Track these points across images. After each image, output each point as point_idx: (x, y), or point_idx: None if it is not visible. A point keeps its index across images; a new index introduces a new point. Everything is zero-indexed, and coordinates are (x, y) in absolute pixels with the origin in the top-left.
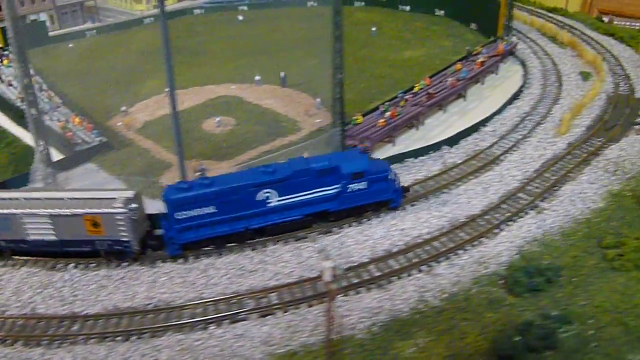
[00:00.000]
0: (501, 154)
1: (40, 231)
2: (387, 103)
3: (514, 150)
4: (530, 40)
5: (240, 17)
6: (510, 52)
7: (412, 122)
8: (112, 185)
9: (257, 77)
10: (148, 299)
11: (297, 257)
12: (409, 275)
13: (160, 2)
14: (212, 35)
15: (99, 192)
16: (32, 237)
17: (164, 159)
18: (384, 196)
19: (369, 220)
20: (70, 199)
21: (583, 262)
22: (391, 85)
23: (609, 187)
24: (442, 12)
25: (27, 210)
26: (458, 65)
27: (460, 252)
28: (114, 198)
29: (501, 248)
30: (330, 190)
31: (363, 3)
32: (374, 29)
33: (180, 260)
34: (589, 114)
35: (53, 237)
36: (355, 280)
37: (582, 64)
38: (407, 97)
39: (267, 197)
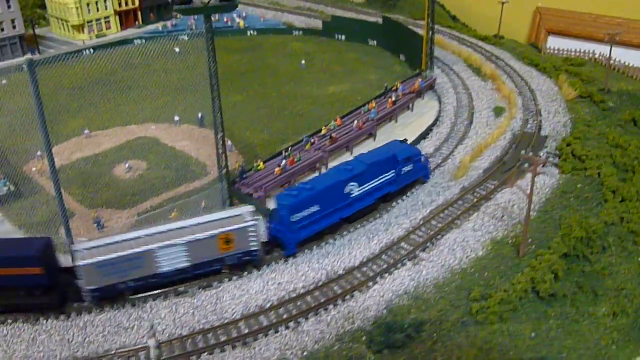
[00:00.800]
0: (393, 200)
1: (173, 261)
2: (290, 148)
3: (407, 196)
4: (454, 72)
5: (177, 49)
6: (430, 87)
7: (315, 166)
8: (14, 235)
9: (177, 117)
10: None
11: (173, 313)
12: (276, 332)
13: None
14: (146, 69)
15: (219, 214)
16: (164, 269)
17: (69, 208)
18: (422, 172)
19: (249, 273)
20: (201, 223)
21: (448, 316)
22: (308, 125)
23: (493, 234)
24: (374, 42)
25: (163, 243)
26: (372, 104)
27: (330, 306)
28: (240, 214)
29: (370, 302)
30: (391, 174)
31: (301, 32)
32: (303, 61)
33: (62, 317)
34: (490, 155)
35: (186, 264)
36: (223, 338)
37: (499, 98)
38: (313, 139)
39: (351, 190)
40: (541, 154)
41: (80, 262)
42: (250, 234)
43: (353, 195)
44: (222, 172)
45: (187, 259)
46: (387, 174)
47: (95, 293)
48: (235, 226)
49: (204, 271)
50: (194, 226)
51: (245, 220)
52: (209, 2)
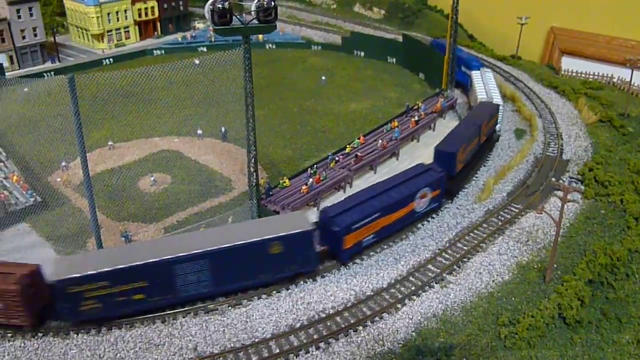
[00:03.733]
0: (419, 222)
1: None
2: (316, 166)
3: (432, 218)
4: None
5: (197, 61)
6: (451, 107)
7: (340, 185)
8: (41, 248)
9: (200, 131)
10: None
11: (204, 330)
12: (307, 353)
13: None
14: (166, 80)
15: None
16: None
17: None
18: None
19: (278, 292)
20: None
21: (477, 341)
22: (330, 142)
23: (518, 259)
24: (394, 59)
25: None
26: (394, 123)
27: (359, 328)
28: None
29: (400, 324)
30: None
31: (320, 47)
32: (323, 77)
33: (93, 332)
34: (513, 178)
35: None
36: (255, 358)
37: (519, 120)
38: (337, 157)
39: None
40: (564, 179)
41: None
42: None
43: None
44: (252, 190)
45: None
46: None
47: None
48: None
49: None
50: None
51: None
52: (248, 22)
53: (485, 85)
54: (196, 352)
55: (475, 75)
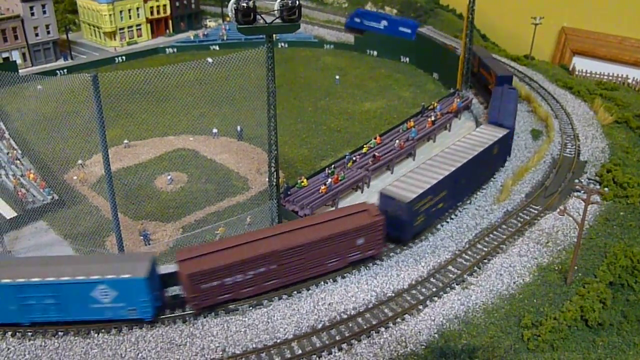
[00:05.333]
0: (438, 223)
1: None
2: (334, 165)
3: (452, 219)
4: (489, 93)
5: (210, 60)
6: (466, 107)
7: (357, 185)
8: (59, 246)
9: (215, 130)
10: None
11: (225, 331)
12: (329, 354)
13: None
14: (180, 79)
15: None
16: None
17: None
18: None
19: (299, 292)
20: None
21: (499, 343)
22: (346, 141)
23: (539, 260)
24: (407, 59)
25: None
26: (410, 123)
27: (382, 329)
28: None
29: (422, 326)
30: None
31: (332, 46)
32: (337, 77)
33: (113, 331)
34: (531, 179)
35: None
36: (277, 359)
37: (535, 120)
38: (354, 157)
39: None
40: (582, 180)
41: None
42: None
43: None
44: (273, 190)
45: None
46: None
47: None
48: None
49: None
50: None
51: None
52: (272, 22)
53: None
54: (225, 353)
55: None
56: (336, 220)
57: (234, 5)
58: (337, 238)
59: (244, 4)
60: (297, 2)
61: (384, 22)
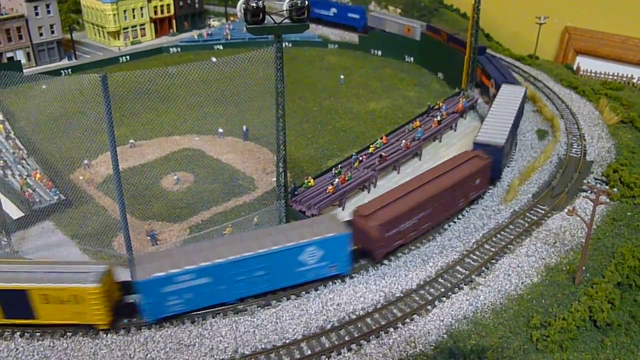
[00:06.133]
0: (445, 223)
1: None
2: (340, 165)
3: (459, 219)
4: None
5: (214, 59)
6: (471, 107)
7: (364, 185)
8: (67, 247)
9: (220, 130)
10: None
11: (234, 331)
12: (339, 354)
13: None
14: (184, 78)
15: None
16: None
17: (119, 219)
18: None
19: (307, 293)
20: None
21: (508, 344)
22: (351, 141)
23: (547, 261)
24: (411, 58)
25: None
26: (416, 123)
27: (390, 329)
28: None
29: (431, 326)
30: None
31: (336, 46)
32: (342, 76)
33: (122, 332)
34: (538, 179)
35: None
36: None
37: (541, 121)
38: (361, 157)
39: None
40: (588, 180)
41: None
42: None
43: None
44: (281, 190)
45: None
46: None
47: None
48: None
49: None
50: None
51: None
52: (281, 22)
53: None
54: (237, 354)
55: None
56: (460, 167)
57: (243, 5)
58: (466, 180)
59: (254, 4)
60: (307, 2)
61: (333, 10)
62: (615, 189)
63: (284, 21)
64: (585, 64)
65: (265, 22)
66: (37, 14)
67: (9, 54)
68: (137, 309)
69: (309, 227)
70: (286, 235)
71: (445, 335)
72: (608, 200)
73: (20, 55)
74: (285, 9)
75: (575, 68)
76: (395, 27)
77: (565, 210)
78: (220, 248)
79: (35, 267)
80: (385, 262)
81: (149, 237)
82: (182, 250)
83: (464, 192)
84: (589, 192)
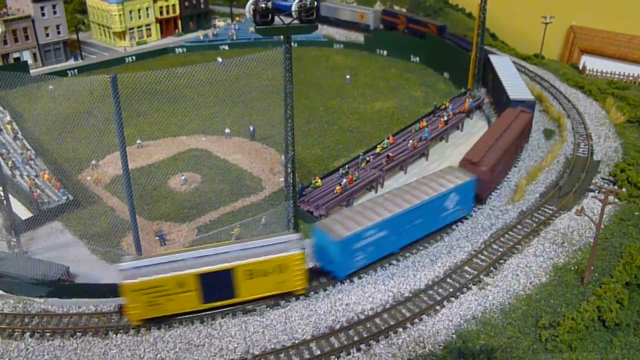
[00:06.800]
0: (453, 223)
1: None
2: (347, 165)
3: (466, 219)
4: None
5: (220, 59)
6: (478, 107)
7: (372, 185)
8: (76, 247)
9: (227, 130)
10: None
11: (243, 331)
12: (348, 354)
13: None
14: (190, 79)
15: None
16: None
17: (127, 219)
18: None
19: (316, 293)
20: None
21: (517, 344)
22: (358, 141)
23: (555, 261)
24: (417, 58)
25: None
26: (423, 123)
27: (399, 329)
28: None
29: (440, 326)
30: None
31: (342, 45)
32: (348, 76)
33: (132, 332)
34: (545, 179)
35: None
36: None
37: (547, 120)
38: (368, 157)
39: None
40: (596, 180)
41: None
42: None
43: None
44: (289, 191)
45: None
46: None
47: None
48: None
49: None
50: None
51: None
52: (290, 22)
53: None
54: (250, 354)
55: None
56: (516, 119)
57: (252, 6)
58: (524, 128)
59: (262, 5)
60: (315, 3)
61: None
62: (624, 189)
63: (293, 22)
64: (590, 63)
65: (274, 22)
66: (43, 14)
67: (16, 55)
68: (324, 270)
69: (442, 178)
70: (431, 187)
71: (454, 336)
72: (616, 200)
73: (26, 56)
74: (293, 9)
75: (580, 67)
76: (348, 15)
77: (574, 210)
78: (386, 204)
79: (229, 248)
80: (394, 261)
81: (157, 238)
82: (353, 211)
83: (522, 140)
84: (597, 192)
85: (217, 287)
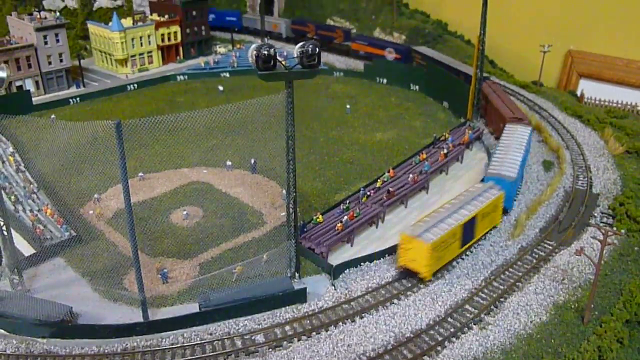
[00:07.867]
0: (453, 259)
1: None
2: (348, 200)
3: (466, 255)
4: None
5: (221, 88)
6: (477, 138)
7: (372, 220)
8: (78, 285)
9: (229, 162)
10: None
11: None
12: None
13: None
14: (191, 107)
15: None
16: None
17: (130, 255)
18: None
19: (317, 334)
20: None
21: None
22: (358, 173)
23: (555, 298)
24: (416, 87)
25: None
26: (423, 155)
27: None
28: None
29: None
30: None
31: (342, 73)
32: (348, 106)
33: None
34: (545, 213)
35: None
36: None
37: (546, 151)
38: (369, 192)
39: None
40: (595, 214)
41: None
42: None
43: None
44: (291, 231)
45: None
46: None
47: None
48: None
49: None
50: None
51: None
52: (292, 68)
53: None
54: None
55: None
56: None
57: (255, 52)
58: None
59: (265, 52)
60: (317, 49)
61: (212, 16)
62: (622, 231)
63: (295, 67)
64: (588, 87)
65: (276, 68)
66: (46, 43)
67: (18, 83)
68: None
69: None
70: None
71: None
72: (616, 242)
73: (29, 84)
74: (295, 55)
75: (579, 94)
76: (265, 26)
77: (574, 249)
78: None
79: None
80: (395, 301)
81: (159, 275)
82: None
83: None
84: (596, 230)
85: (469, 231)
